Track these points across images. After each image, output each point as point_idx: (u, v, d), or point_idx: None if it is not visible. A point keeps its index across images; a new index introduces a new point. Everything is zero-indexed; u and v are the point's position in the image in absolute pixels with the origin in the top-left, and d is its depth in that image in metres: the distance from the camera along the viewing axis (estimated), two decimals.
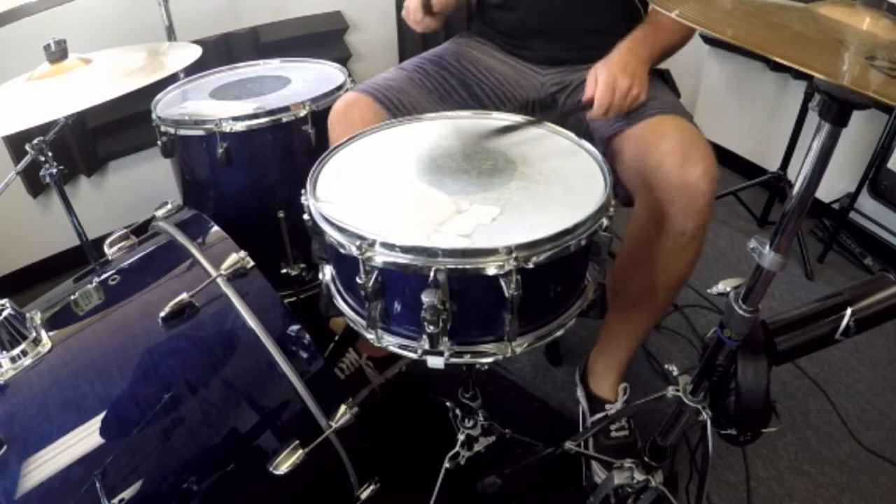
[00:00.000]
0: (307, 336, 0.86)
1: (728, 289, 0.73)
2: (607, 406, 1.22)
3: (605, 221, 0.72)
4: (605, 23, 1.11)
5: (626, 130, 1.01)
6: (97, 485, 0.71)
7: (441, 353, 0.72)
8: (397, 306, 0.73)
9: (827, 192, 1.96)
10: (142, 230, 1.05)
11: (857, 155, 1.83)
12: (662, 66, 1.20)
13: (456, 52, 1.22)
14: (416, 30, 1.12)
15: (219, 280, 0.85)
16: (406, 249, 0.66)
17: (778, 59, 0.46)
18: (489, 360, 0.73)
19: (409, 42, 2.34)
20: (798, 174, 0.63)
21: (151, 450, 0.76)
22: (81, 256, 1.30)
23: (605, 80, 0.94)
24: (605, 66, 0.96)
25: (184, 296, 0.82)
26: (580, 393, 1.31)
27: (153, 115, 1.27)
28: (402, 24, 2.32)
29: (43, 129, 1.12)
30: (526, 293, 0.66)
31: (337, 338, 1.38)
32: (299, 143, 1.26)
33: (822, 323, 0.73)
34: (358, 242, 0.68)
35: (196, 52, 1.16)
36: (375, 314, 0.73)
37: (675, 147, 0.95)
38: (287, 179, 1.30)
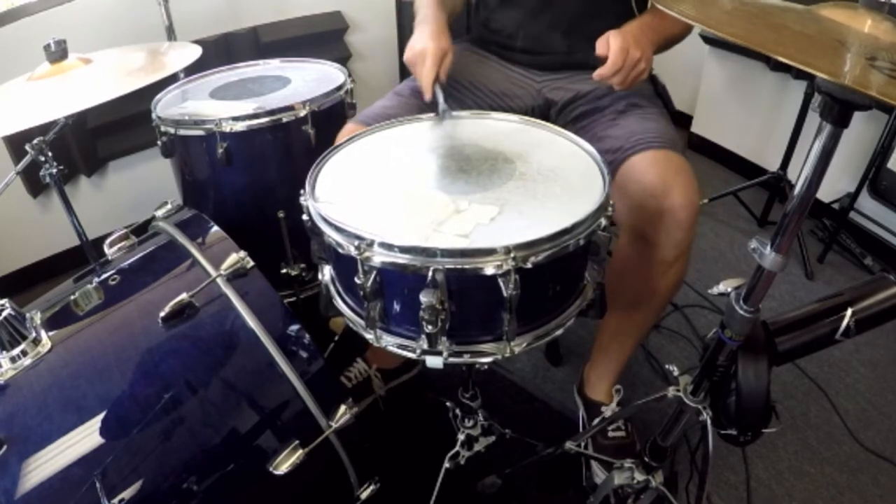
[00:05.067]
0: (307, 336, 0.86)
1: (729, 289, 0.73)
2: (603, 408, 1.24)
3: (603, 221, 0.72)
4: (604, 27, 1.11)
5: (618, 167, 1.02)
6: (97, 485, 0.71)
7: (440, 353, 0.72)
8: (396, 306, 0.73)
9: (827, 192, 1.96)
10: (142, 230, 1.05)
11: (857, 155, 1.83)
12: (663, 78, 1.21)
13: (451, 69, 1.22)
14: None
15: (219, 280, 0.85)
16: (404, 249, 0.66)
17: (781, 59, 0.46)
18: (488, 359, 0.73)
19: (408, 42, 2.33)
20: (799, 175, 0.62)
21: (151, 450, 0.76)
22: (81, 256, 1.30)
23: (620, 44, 0.93)
24: (619, 33, 0.95)
25: (184, 296, 0.82)
26: (578, 401, 1.33)
27: (153, 115, 1.27)
28: (402, 24, 2.32)
29: (43, 129, 1.12)
30: (524, 293, 0.66)
31: (337, 338, 1.38)
32: (299, 143, 1.26)
33: (822, 323, 0.73)
34: (356, 242, 0.68)
35: (196, 52, 1.16)
36: (374, 314, 0.73)
37: (657, 179, 0.97)
38: (287, 179, 1.29)
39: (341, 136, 1.09)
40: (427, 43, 1.01)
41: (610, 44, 0.94)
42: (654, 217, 0.97)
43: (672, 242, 0.99)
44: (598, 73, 0.96)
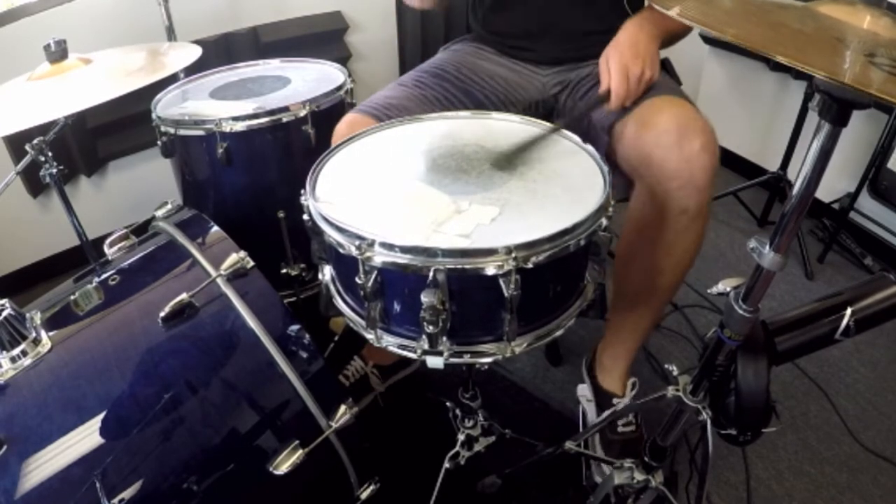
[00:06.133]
0: (307, 336, 0.86)
1: (728, 289, 0.73)
2: (615, 400, 1.21)
3: (604, 221, 0.72)
4: (604, 21, 1.12)
5: (626, 114, 1.00)
6: (97, 485, 0.71)
7: (440, 354, 0.72)
8: (396, 306, 0.73)
9: (827, 192, 1.96)
10: (142, 230, 1.05)
11: (857, 155, 1.83)
12: (663, 54, 1.20)
13: (454, 60, 1.21)
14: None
15: (219, 280, 0.85)
16: (405, 249, 0.66)
17: (778, 59, 0.46)
18: (489, 360, 0.73)
19: (408, 42, 2.34)
20: (798, 174, 0.62)
21: (151, 450, 0.76)
22: (81, 256, 1.30)
23: (618, 69, 0.92)
24: (615, 51, 0.94)
25: (184, 296, 0.82)
26: (586, 389, 1.29)
27: (153, 115, 1.27)
28: (402, 24, 2.32)
29: (43, 129, 1.12)
30: (525, 293, 0.66)
31: (337, 338, 1.38)
32: (299, 143, 1.26)
33: (822, 323, 0.73)
34: (357, 242, 0.68)
35: (196, 52, 1.16)
36: (375, 314, 0.73)
37: (672, 123, 0.94)
38: (287, 179, 1.30)
39: (342, 125, 1.09)
40: None
41: (610, 69, 0.93)
42: (673, 163, 0.94)
43: (693, 189, 0.94)
44: (609, 108, 0.96)
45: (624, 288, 1.13)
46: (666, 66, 1.18)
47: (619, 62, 0.92)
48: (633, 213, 1.06)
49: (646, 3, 1.13)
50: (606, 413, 1.20)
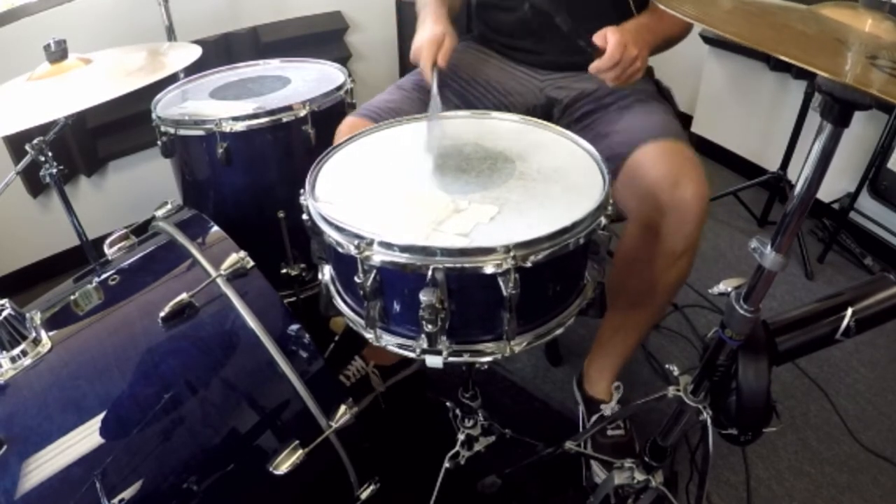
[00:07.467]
0: (307, 336, 0.86)
1: (729, 289, 0.73)
2: (602, 406, 1.23)
3: (603, 220, 0.72)
4: (606, 25, 1.12)
5: (625, 159, 1.01)
6: (97, 485, 0.71)
7: (439, 353, 0.72)
8: (396, 305, 0.73)
9: (827, 192, 1.96)
10: (142, 230, 1.05)
11: (857, 155, 1.83)
12: (664, 82, 1.21)
13: (453, 64, 1.21)
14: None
15: (219, 280, 0.85)
16: (404, 249, 0.66)
17: (782, 57, 0.46)
18: (488, 359, 0.73)
19: (408, 42, 2.32)
20: (799, 175, 0.62)
21: (151, 450, 0.76)
22: (81, 256, 1.30)
23: (618, 39, 0.92)
24: (617, 30, 0.94)
25: (184, 296, 0.82)
26: (577, 396, 1.33)
27: (153, 115, 1.27)
28: (402, 24, 2.32)
29: (43, 129, 1.12)
30: (524, 292, 0.66)
31: (337, 338, 1.38)
32: (299, 143, 1.26)
33: (822, 323, 0.73)
34: (356, 242, 0.68)
35: (196, 52, 1.16)
36: (374, 313, 0.73)
37: (667, 171, 0.97)
38: (287, 179, 1.29)
39: (341, 129, 1.10)
40: (424, 34, 1.04)
41: (608, 38, 0.94)
42: (664, 209, 0.97)
43: (682, 234, 0.98)
44: (595, 65, 0.95)
45: (610, 312, 1.16)
46: (666, 95, 1.19)
47: (620, 37, 0.93)
48: (622, 248, 1.09)
49: (649, 6, 1.13)
50: (595, 417, 1.22)
